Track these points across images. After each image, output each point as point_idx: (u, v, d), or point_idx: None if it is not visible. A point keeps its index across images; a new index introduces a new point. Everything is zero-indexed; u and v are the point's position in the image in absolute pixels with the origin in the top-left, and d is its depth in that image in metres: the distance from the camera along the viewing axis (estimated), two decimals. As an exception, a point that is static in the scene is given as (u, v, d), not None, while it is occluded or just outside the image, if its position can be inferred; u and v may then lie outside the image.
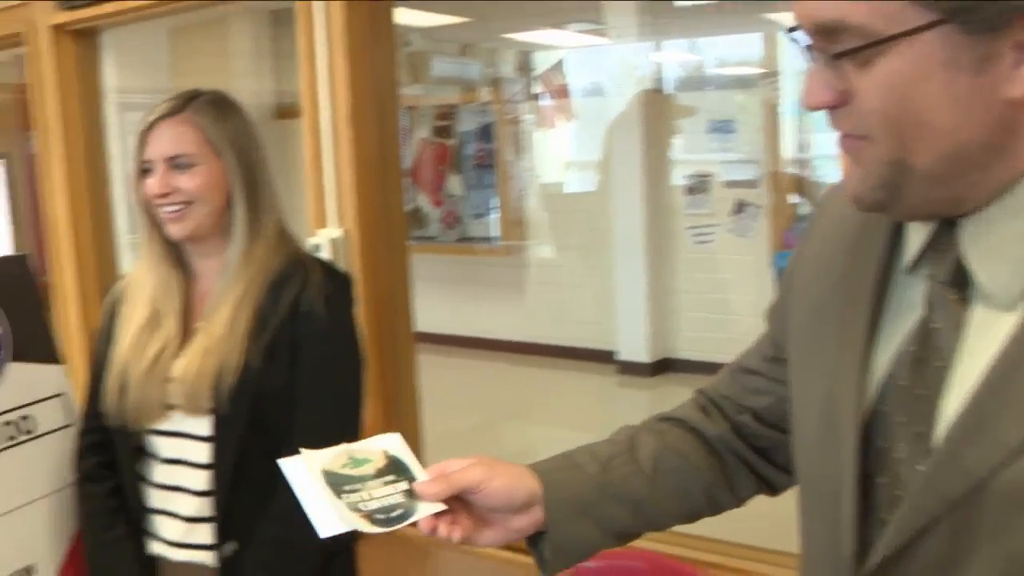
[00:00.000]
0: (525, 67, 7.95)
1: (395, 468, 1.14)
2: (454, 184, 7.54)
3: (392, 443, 1.18)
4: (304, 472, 1.12)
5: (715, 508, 1.22)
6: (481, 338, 7.34)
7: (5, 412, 1.61)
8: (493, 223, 7.53)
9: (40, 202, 3.72)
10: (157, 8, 3.23)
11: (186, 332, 1.79)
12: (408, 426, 2.81)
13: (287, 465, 1.13)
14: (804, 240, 1.09)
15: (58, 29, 3.52)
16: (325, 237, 2.69)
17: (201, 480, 1.75)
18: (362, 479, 1.12)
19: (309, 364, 1.73)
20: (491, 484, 1.08)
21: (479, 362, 7.22)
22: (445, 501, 1.07)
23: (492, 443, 5.41)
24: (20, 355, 1.66)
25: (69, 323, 3.71)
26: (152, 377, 1.75)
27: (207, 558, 1.75)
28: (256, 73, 5.82)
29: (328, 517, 1.07)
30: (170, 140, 1.72)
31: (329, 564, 1.79)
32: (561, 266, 7.23)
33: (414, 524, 1.07)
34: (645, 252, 6.75)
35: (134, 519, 1.82)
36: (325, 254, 2.63)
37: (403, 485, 1.11)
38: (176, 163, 1.73)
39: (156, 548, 1.81)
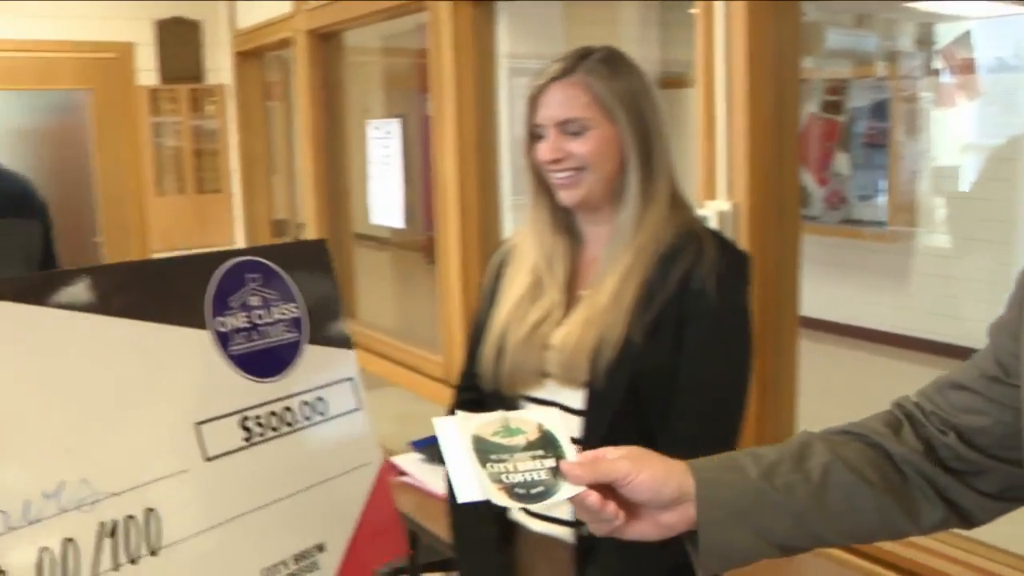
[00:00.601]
0: (926, 40, 7.33)
1: (546, 443, 1.14)
2: (841, 163, 7.14)
3: (550, 418, 1.18)
4: (455, 434, 1.12)
5: (890, 532, 1.13)
6: (856, 326, 6.93)
7: (303, 392, 1.64)
8: (880, 206, 7.06)
9: (430, 161, 3.88)
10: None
11: (570, 299, 1.73)
12: (784, 417, 2.64)
13: (440, 424, 1.13)
14: None
15: (459, -5, 3.63)
16: (713, 210, 2.56)
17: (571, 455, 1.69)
18: (510, 450, 1.12)
19: (695, 346, 1.61)
20: (638, 477, 1.09)
21: (851, 351, 6.82)
22: (596, 489, 1.08)
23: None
24: (315, 339, 1.67)
25: (449, 279, 3.86)
26: (530, 344, 1.71)
27: (566, 534, 1.71)
28: (643, 42, 5.78)
29: (469, 484, 1.09)
30: (561, 104, 1.65)
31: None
32: (952, 257, 6.66)
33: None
34: (1054, 250, 6.03)
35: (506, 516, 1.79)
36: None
37: (550, 462, 1.12)
38: (567, 128, 1.65)
39: (517, 515, 1.78)
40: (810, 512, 1.11)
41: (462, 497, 1.08)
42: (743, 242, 2.49)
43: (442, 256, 3.88)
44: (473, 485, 1.09)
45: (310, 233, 5.15)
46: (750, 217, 2.60)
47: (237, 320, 1.57)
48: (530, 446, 1.14)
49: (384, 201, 4.51)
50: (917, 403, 1.18)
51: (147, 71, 5.91)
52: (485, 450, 1.12)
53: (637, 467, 1.10)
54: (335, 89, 5.04)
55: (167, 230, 6.05)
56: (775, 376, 2.60)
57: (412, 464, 2.92)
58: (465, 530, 1.84)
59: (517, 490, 1.09)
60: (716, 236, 1.70)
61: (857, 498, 1.11)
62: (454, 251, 3.80)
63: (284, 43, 5.38)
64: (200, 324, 1.52)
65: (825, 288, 6.68)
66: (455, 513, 1.86)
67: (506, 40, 3.76)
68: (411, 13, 4.17)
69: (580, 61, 1.66)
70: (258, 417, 1.57)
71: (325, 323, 1.71)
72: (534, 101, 1.69)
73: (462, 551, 1.86)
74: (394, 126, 4.39)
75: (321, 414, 1.67)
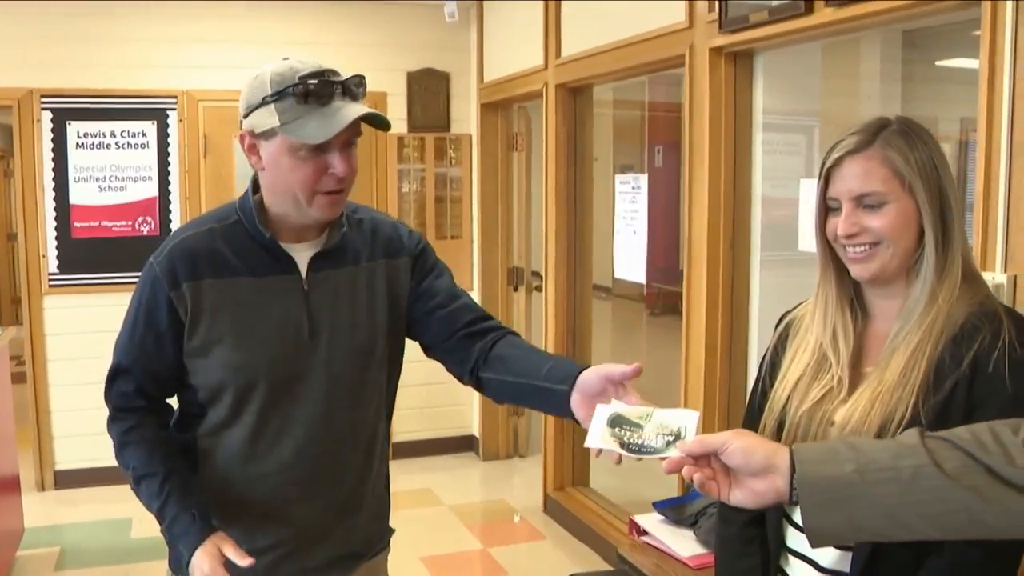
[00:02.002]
0: None
1: (674, 431, 1.41)
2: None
3: (690, 419, 1.43)
4: (606, 410, 1.50)
5: (981, 532, 1.26)
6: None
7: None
8: None
9: (675, 214, 3.86)
10: (812, 31, 3.16)
11: (855, 376, 1.67)
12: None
13: (601, 405, 1.52)
14: None
15: (716, 52, 3.62)
16: (987, 282, 2.41)
17: None
18: (640, 426, 1.45)
19: None
20: (733, 444, 1.32)
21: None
22: (703, 460, 1.35)
23: None
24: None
25: (694, 332, 3.82)
26: (812, 420, 1.66)
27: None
28: (883, 97, 5.60)
29: (594, 435, 1.46)
30: (858, 177, 1.61)
31: None
32: None
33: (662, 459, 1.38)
34: None
35: (772, 554, 1.76)
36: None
37: (669, 438, 1.40)
38: (864, 201, 1.61)
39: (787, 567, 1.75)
40: (901, 508, 1.25)
41: (587, 443, 1.45)
42: None
43: (688, 312, 3.85)
44: (596, 437, 1.46)
45: (550, 283, 5.21)
46: (1030, 291, 2.45)
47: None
48: (659, 429, 1.43)
49: (629, 254, 4.52)
50: None
51: (397, 120, 6.19)
52: (618, 422, 1.47)
53: (734, 438, 1.33)
54: (580, 141, 5.11)
55: (407, 272, 6.27)
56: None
57: (653, 524, 2.88)
58: None
59: (631, 445, 1.42)
60: (1013, 316, 1.60)
61: (949, 501, 1.24)
62: (700, 307, 3.76)
63: (528, 95, 5.52)
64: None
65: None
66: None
67: (760, 95, 3.71)
68: (670, 69, 4.18)
69: (877, 134, 1.62)
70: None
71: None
72: (830, 173, 1.65)
73: None
74: (642, 180, 4.39)
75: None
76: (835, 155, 1.64)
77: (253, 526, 1.95)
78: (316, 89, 1.78)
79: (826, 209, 1.67)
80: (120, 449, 1.94)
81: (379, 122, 1.86)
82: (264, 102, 1.80)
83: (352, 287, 1.96)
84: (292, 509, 1.97)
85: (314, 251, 1.93)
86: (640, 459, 1.40)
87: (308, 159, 1.80)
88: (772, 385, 1.77)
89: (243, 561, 1.75)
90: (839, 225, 1.63)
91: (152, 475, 1.88)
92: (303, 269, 1.92)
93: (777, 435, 1.71)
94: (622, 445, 1.42)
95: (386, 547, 2.18)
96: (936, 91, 6.62)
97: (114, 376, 1.95)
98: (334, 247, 1.95)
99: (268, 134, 1.81)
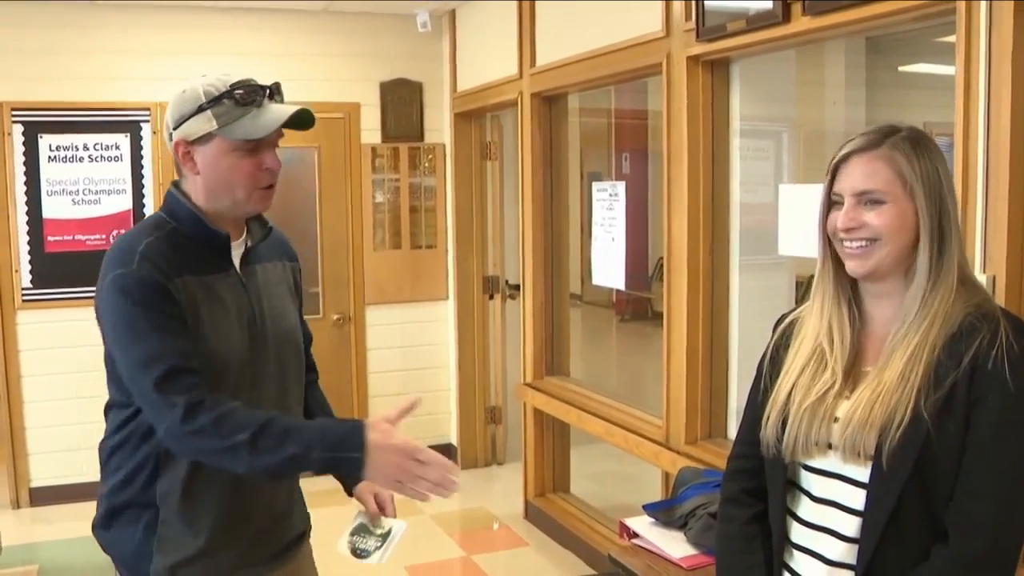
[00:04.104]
0: None
1: (385, 536, 2.22)
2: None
3: (399, 526, 2.26)
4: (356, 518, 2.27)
5: None
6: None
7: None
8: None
9: (643, 221, 3.91)
10: (788, 40, 3.22)
11: (855, 374, 1.72)
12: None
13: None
14: None
15: (693, 60, 3.67)
16: (970, 284, 2.47)
17: (851, 526, 1.68)
18: (371, 534, 2.23)
19: (985, 425, 1.58)
20: None
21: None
22: None
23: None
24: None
25: (675, 337, 3.86)
26: (815, 414, 1.71)
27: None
28: (848, 102, 5.69)
29: (341, 542, 2.19)
30: (863, 175, 1.67)
31: None
32: None
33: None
34: None
35: (775, 551, 1.80)
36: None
37: (379, 543, 2.21)
38: (866, 198, 1.67)
39: None
40: None
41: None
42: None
43: (670, 316, 3.89)
44: (343, 543, 2.19)
45: (528, 290, 5.24)
46: (1007, 291, 2.50)
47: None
48: (381, 537, 2.22)
49: (606, 262, 4.55)
50: None
51: (369, 130, 6.20)
52: (358, 530, 2.23)
53: None
54: (556, 150, 5.15)
55: (382, 283, 6.29)
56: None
57: (644, 527, 2.91)
58: None
59: (358, 551, 2.18)
60: (1010, 317, 1.66)
61: None
62: (681, 312, 3.80)
63: (502, 105, 5.55)
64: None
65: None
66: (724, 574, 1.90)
67: (737, 102, 3.77)
68: (643, 77, 4.23)
69: (886, 137, 1.68)
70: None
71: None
72: (836, 169, 1.71)
73: None
74: (619, 188, 4.43)
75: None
76: (844, 151, 1.70)
77: (235, 509, 2.05)
78: (252, 92, 1.97)
79: (830, 204, 1.73)
80: (217, 427, 1.83)
81: (307, 119, 2.02)
82: (200, 109, 1.96)
83: (272, 280, 2.16)
84: (266, 488, 2.12)
85: (242, 249, 2.10)
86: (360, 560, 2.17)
87: (245, 158, 1.98)
88: (773, 382, 1.81)
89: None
90: (839, 218, 1.69)
91: (270, 421, 1.84)
92: (236, 265, 2.08)
93: (780, 430, 1.74)
94: (351, 550, 2.19)
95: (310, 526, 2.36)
96: (900, 96, 6.73)
97: (168, 377, 1.86)
98: (258, 244, 2.14)
99: (204, 139, 1.97)
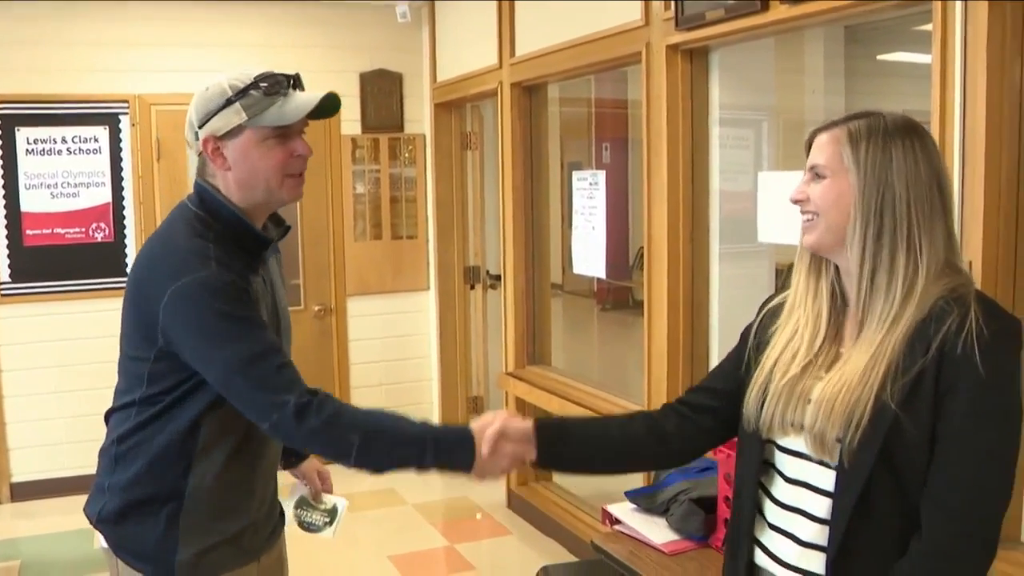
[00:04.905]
0: None
1: (331, 512, 2.49)
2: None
3: (341, 502, 2.51)
4: (296, 491, 2.51)
5: None
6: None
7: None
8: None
9: (624, 210, 3.92)
10: (767, 28, 3.24)
11: (835, 353, 1.74)
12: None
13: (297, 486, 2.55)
14: None
15: (673, 49, 3.68)
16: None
17: (822, 507, 1.70)
18: (316, 509, 2.49)
19: (957, 414, 1.58)
20: None
21: None
22: None
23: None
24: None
25: (656, 326, 3.88)
26: (792, 393, 1.73)
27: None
28: (827, 91, 5.72)
29: (286, 515, 2.38)
30: (815, 151, 1.74)
31: None
32: None
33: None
34: None
35: (746, 526, 1.83)
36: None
37: (326, 519, 2.48)
38: (814, 172, 1.73)
39: (763, 561, 1.80)
40: None
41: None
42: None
43: (650, 304, 3.91)
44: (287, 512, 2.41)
45: (509, 280, 5.26)
46: (983, 276, 2.53)
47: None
48: (326, 512, 2.49)
49: (586, 252, 4.57)
50: None
51: (349, 121, 6.19)
52: (300, 504, 2.49)
53: None
54: (536, 140, 5.16)
55: (363, 274, 6.29)
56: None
57: (626, 513, 2.93)
58: None
59: (304, 523, 2.47)
60: (983, 301, 1.65)
61: None
62: (662, 300, 3.82)
63: (482, 95, 5.55)
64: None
65: None
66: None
67: (716, 90, 3.79)
68: (623, 66, 4.24)
69: (851, 120, 1.71)
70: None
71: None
72: (806, 145, 1.78)
73: None
74: (600, 177, 4.45)
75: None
76: (813, 130, 1.76)
77: (253, 494, 2.13)
78: (277, 82, 1.99)
79: None
80: (329, 429, 1.88)
81: (334, 105, 2.05)
82: (228, 103, 1.96)
83: (277, 275, 2.21)
84: (269, 473, 2.21)
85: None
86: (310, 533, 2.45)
87: (276, 147, 1.99)
88: (758, 356, 1.83)
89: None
90: (794, 191, 1.76)
91: (380, 426, 1.94)
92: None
93: (760, 406, 1.76)
94: (299, 522, 2.45)
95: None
96: (878, 84, 6.76)
97: (274, 374, 1.90)
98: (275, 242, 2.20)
99: (234, 132, 1.97)
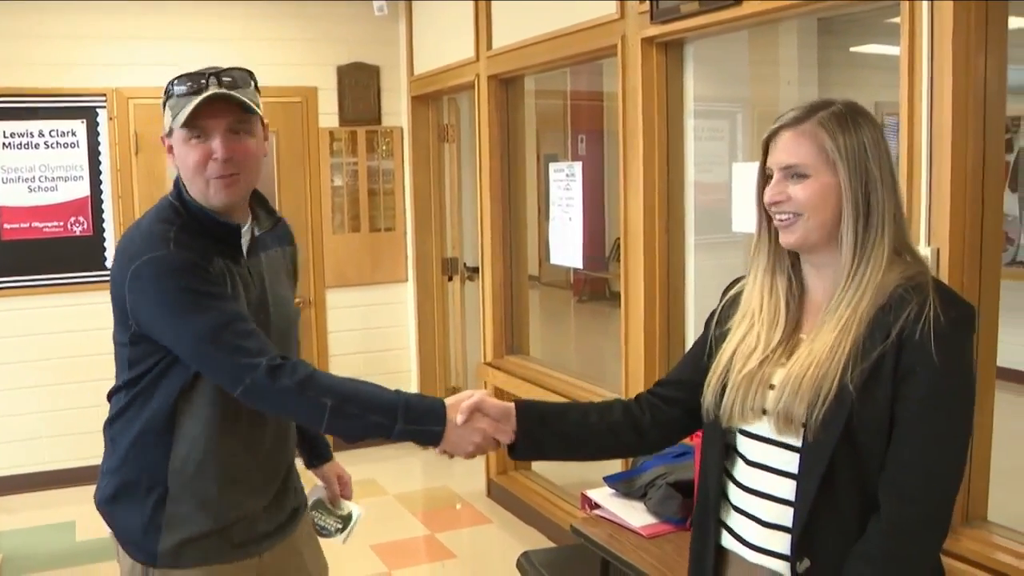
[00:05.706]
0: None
1: (345, 519, 2.52)
2: (1010, 203, 6.92)
3: (357, 510, 2.54)
4: (315, 493, 2.51)
5: None
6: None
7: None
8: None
9: (600, 202, 3.96)
10: (741, 21, 3.29)
11: (793, 342, 1.78)
12: (979, 464, 2.61)
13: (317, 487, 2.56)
14: None
15: (648, 42, 3.73)
16: (914, 256, 2.56)
17: (785, 489, 1.74)
18: (332, 514, 2.51)
19: (914, 398, 1.63)
20: None
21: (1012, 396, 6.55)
22: None
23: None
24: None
25: (632, 316, 3.93)
26: (752, 381, 1.76)
27: (781, 568, 1.74)
28: (801, 83, 5.78)
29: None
30: (788, 150, 1.74)
31: None
32: None
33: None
34: None
35: (712, 508, 1.87)
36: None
37: (339, 524, 2.51)
38: (791, 172, 1.73)
39: (730, 543, 1.85)
40: None
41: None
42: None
43: (627, 295, 3.96)
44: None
45: (486, 272, 5.30)
46: (951, 263, 2.59)
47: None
48: (341, 519, 2.51)
49: (563, 242, 4.62)
50: None
51: (327, 114, 6.21)
52: (317, 507, 2.49)
53: None
54: (513, 132, 5.20)
55: (341, 266, 6.31)
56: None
57: (605, 498, 2.98)
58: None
59: (318, 526, 2.46)
60: (940, 289, 1.70)
61: None
62: (639, 290, 3.87)
63: (459, 87, 5.59)
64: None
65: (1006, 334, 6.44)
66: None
67: (691, 82, 3.83)
68: (599, 59, 4.29)
69: (814, 112, 1.74)
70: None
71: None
72: (767, 145, 1.79)
73: None
74: (576, 168, 4.49)
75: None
76: (774, 126, 1.77)
77: (242, 486, 2.12)
78: (189, 80, 1.98)
79: (765, 178, 1.79)
80: (302, 389, 1.88)
81: (235, 99, 1.99)
82: (164, 104, 2.03)
83: (275, 268, 2.21)
84: (269, 466, 2.19)
85: (248, 237, 2.13)
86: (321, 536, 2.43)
87: (196, 146, 1.99)
88: (718, 345, 1.88)
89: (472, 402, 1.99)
90: (767, 192, 1.76)
91: (355, 390, 1.93)
92: (244, 253, 2.11)
93: (720, 396, 1.81)
94: (313, 526, 2.41)
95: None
96: (851, 76, 6.84)
97: (241, 339, 1.91)
98: (266, 232, 2.19)
99: (170, 132, 2.03)
